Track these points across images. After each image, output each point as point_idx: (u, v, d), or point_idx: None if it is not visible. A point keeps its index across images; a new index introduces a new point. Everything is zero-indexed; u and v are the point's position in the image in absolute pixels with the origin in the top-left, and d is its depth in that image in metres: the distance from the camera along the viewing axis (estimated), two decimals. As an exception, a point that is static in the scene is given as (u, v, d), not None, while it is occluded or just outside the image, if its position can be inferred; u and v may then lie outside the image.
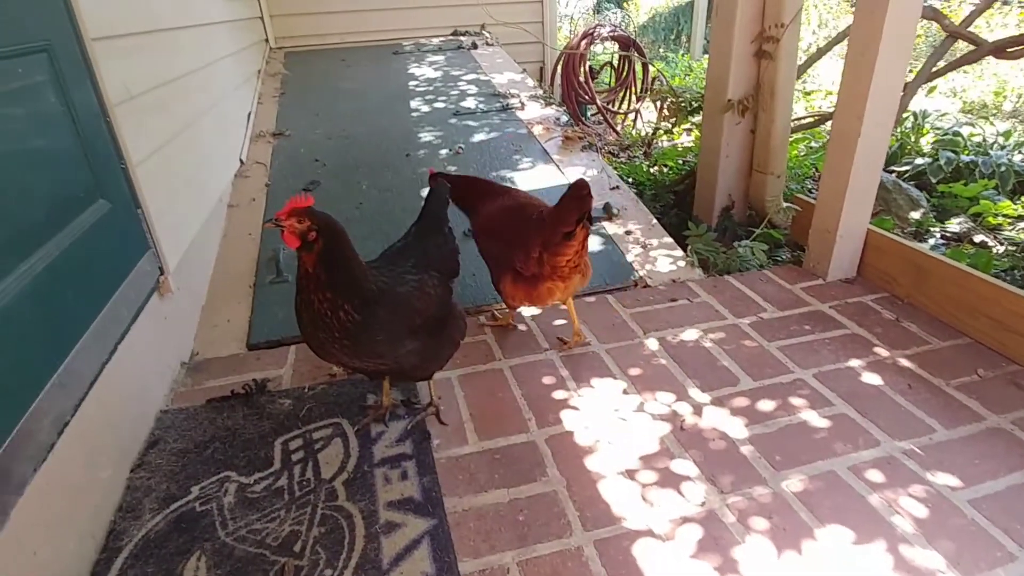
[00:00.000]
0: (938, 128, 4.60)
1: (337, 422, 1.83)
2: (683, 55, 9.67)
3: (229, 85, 3.76)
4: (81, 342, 1.51)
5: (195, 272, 2.46)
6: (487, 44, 5.97)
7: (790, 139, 3.26)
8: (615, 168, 4.07)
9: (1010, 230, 3.21)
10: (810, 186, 3.83)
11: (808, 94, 6.26)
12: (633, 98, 6.43)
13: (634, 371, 2.05)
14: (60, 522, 1.34)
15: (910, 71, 3.38)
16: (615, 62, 6.69)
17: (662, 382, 1.99)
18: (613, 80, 6.72)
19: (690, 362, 2.08)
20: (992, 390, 1.90)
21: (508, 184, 3.29)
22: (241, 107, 4.07)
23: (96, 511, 1.48)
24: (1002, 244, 3.10)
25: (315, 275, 1.46)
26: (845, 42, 2.52)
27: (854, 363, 2.04)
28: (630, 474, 1.63)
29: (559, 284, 1.98)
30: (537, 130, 4.05)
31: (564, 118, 4.29)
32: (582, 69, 5.92)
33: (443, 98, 4.68)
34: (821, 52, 4.16)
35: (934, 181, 3.75)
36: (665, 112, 4.62)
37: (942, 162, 3.81)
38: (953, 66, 3.49)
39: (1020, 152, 4.05)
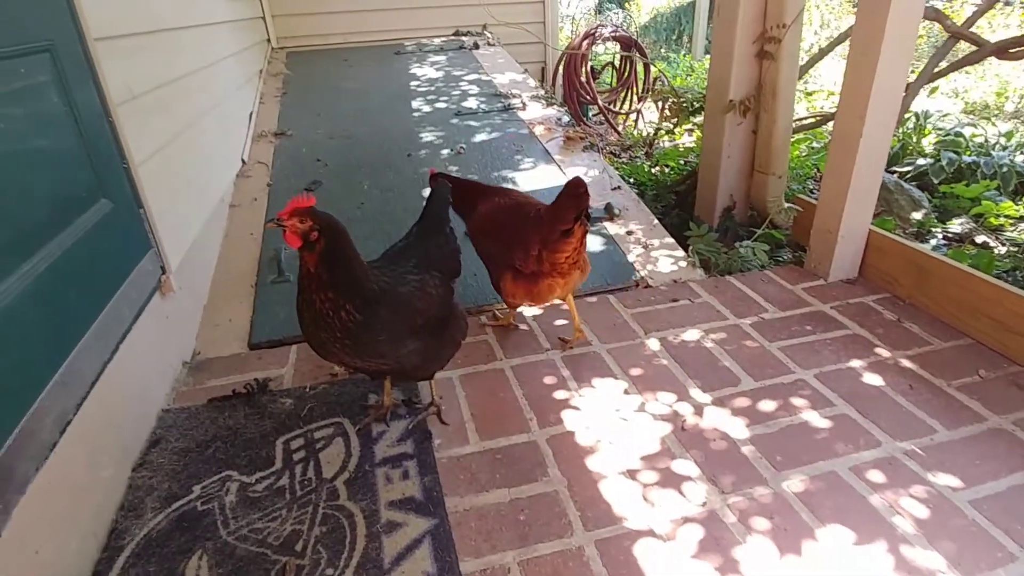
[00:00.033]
0: (940, 129, 4.60)
1: (338, 422, 1.84)
2: (684, 55, 9.68)
3: (231, 85, 3.77)
4: (83, 341, 1.51)
5: (197, 272, 2.47)
6: (489, 44, 5.97)
7: (792, 139, 3.26)
8: (616, 168, 4.07)
9: (1012, 231, 3.21)
10: (811, 186, 3.83)
11: (810, 94, 6.26)
12: (635, 98, 6.43)
13: (635, 371, 2.05)
14: (62, 521, 1.34)
15: (912, 72, 3.39)
16: (616, 62, 6.70)
17: (663, 382, 1.99)
18: (615, 80, 6.73)
19: (691, 362, 2.08)
20: (993, 391, 1.90)
21: (510, 184, 3.30)
22: (243, 107, 4.07)
23: (98, 510, 1.49)
24: (1004, 245, 3.10)
25: (317, 275, 1.46)
26: (847, 42, 2.52)
27: (855, 363, 2.04)
28: (631, 474, 1.64)
29: (559, 280, 1.99)
30: (539, 130, 4.05)
31: (566, 118, 4.29)
32: (584, 69, 5.93)
33: (445, 98, 4.68)
34: (823, 52, 4.16)
35: (936, 182, 3.75)
36: (667, 112, 4.62)
37: (944, 163, 3.81)
38: (955, 67, 3.49)
39: (1022, 153, 4.05)
